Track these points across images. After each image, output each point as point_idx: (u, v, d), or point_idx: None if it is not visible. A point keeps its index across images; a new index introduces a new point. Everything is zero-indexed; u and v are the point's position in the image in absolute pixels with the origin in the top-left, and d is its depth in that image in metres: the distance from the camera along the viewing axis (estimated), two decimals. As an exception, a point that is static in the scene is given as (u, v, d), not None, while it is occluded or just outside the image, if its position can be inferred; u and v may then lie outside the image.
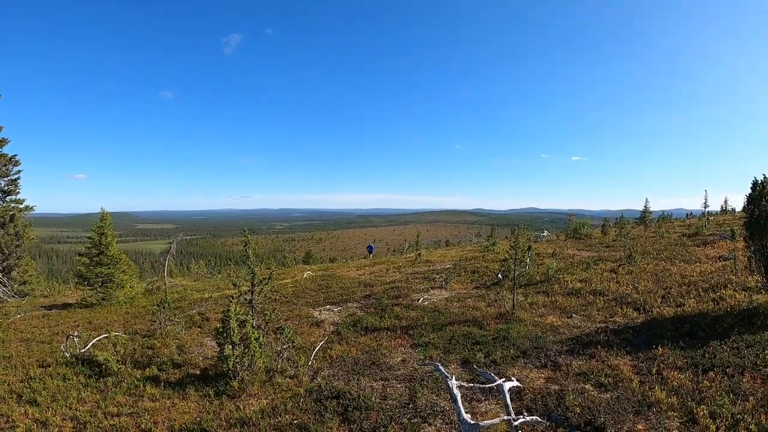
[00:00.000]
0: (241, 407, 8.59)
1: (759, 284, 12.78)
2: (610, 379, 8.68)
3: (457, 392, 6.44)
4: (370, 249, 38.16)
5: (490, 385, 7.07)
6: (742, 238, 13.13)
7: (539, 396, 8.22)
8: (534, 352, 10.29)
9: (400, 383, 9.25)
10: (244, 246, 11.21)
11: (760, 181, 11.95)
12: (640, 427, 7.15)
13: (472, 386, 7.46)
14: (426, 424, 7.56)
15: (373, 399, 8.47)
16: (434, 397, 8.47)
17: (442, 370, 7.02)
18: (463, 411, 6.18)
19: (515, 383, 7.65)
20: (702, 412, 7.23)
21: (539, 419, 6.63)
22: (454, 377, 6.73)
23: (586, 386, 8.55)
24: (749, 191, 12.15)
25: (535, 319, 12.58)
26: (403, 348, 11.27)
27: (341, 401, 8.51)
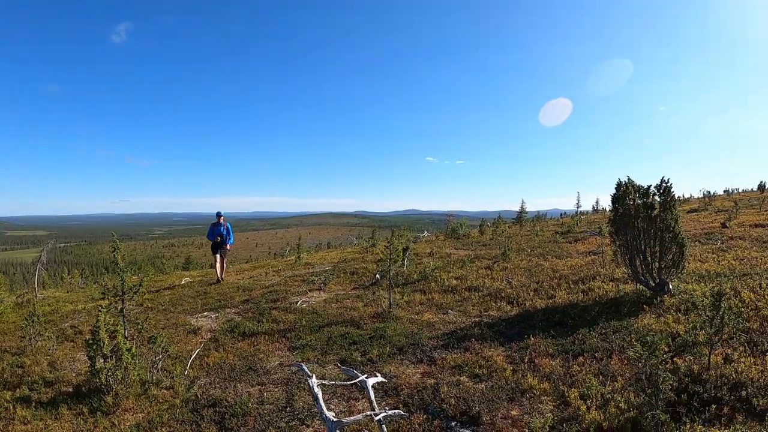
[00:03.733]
0: (116, 423, 8.01)
1: (625, 275, 13.47)
2: (484, 369, 8.79)
3: (318, 391, 6.27)
4: (223, 237, 19.92)
5: (353, 381, 7.00)
6: (608, 234, 13.85)
7: (415, 391, 8.18)
8: (410, 349, 10.26)
9: (277, 387, 8.97)
10: (113, 252, 10.63)
11: (623, 182, 12.78)
12: (514, 412, 7.24)
13: (333, 383, 7.39)
14: (304, 426, 7.35)
15: (250, 404, 8.16)
16: (311, 399, 8.26)
17: (306, 369, 6.86)
18: (325, 409, 6.02)
19: (379, 378, 7.72)
20: (573, 395, 7.44)
21: (401, 412, 6.61)
22: (315, 376, 6.58)
23: (461, 378, 8.58)
24: (614, 191, 12.94)
25: (412, 316, 12.60)
26: (280, 351, 10.98)
27: (218, 409, 8.15)
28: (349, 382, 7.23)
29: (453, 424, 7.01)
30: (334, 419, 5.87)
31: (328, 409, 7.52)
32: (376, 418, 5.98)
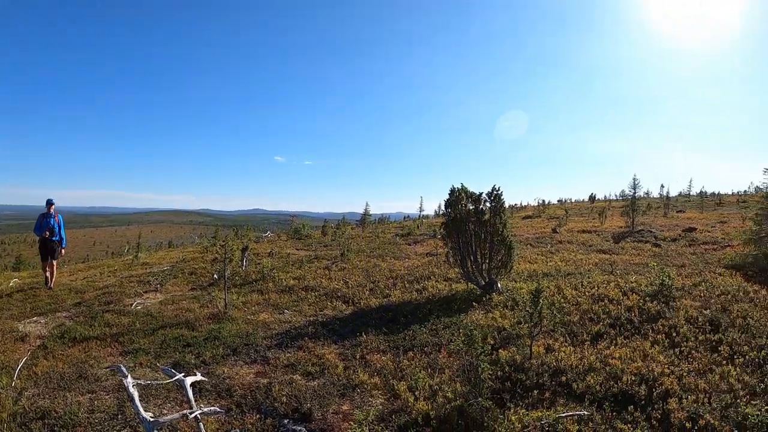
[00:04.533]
0: (-60, 447, 7.36)
1: (458, 275, 14.07)
2: (317, 367, 8.91)
3: (134, 391, 6.05)
4: (53, 233, 16.40)
5: (171, 380, 6.86)
6: (442, 237, 14.43)
7: (249, 391, 8.07)
8: (245, 349, 10.12)
9: (108, 394, 8.49)
10: None
11: (457, 189, 13.58)
12: (345, 407, 7.39)
13: (148, 383, 7.23)
14: (135, 432, 7.11)
15: (81, 414, 7.66)
16: (143, 404, 7.96)
17: (123, 369, 6.60)
18: (141, 410, 5.81)
19: (198, 377, 7.69)
20: (402, 387, 7.74)
21: (218, 409, 6.61)
22: (130, 377, 6.34)
23: (295, 376, 8.59)
24: (448, 196, 13.74)
25: (248, 317, 12.43)
26: (112, 357, 10.41)
27: (47, 421, 7.57)
28: (165, 382, 7.05)
29: (285, 421, 7.02)
30: (151, 419, 5.68)
31: (162, 413, 7.30)
32: (191, 415, 5.88)
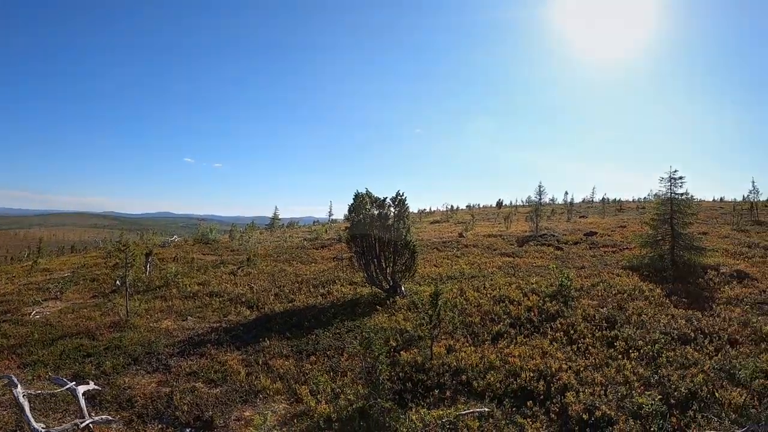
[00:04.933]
0: None
1: (363, 279, 14.17)
2: (219, 374, 8.90)
3: (24, 401, 5.91)
4: None
5: (62, 389, 6.75)
6: (346, 241, 14.50)
7: (150, 401, 7.98)
8: (146, 358, 9.96)
9: (6, 410, 8.11)
10: None
11: (361, 193, 13.84)
12: (247, 413, 7.47)
13: (40, 393, 7.03)
14: (34, 448, 6.84)
15: (-26, 433, 7.41)
16: (43, 419, 7.69)
17: (14, 380, 6.40)
18: (32, 420, 5.70)
19: (91, 386, 7.65)
20: (305, 391, 7.88)
21: (110, 418, 6.65)
22: (20, 386, 6.16)
23: (197, 384, 8.59)
24: (352, 201, 13.98)
25: (151, 324, 12.19)
26: (10, 370, 9.92)
27: None
28: (57, 391, 6.90)
29: (187, 430, 7.05)
30: (42, 430, 5.54)
31: (62, 425, 7.11)
32: (82, 425, 5.78)
